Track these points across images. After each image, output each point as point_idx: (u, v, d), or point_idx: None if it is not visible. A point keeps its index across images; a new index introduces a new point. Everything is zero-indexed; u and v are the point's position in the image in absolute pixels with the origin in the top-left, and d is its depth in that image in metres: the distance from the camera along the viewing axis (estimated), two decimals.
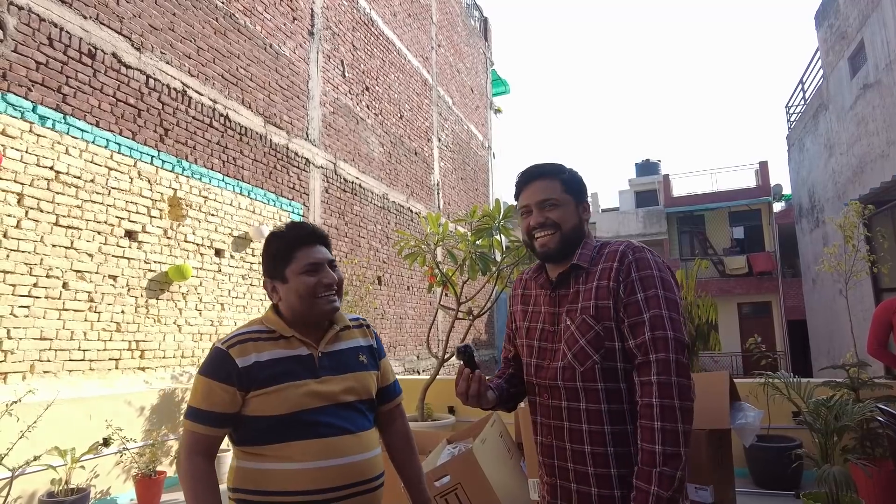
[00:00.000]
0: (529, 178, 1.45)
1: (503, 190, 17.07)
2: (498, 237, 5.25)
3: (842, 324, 11.26)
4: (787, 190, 19.91)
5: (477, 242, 5.20)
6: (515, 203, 1.52)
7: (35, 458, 3.80)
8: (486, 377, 1.50)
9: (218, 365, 1.36)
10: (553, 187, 1.41)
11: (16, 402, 3.73)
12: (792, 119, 15.38)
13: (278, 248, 1.46)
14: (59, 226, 4.45)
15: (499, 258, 5.48)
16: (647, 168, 24.76)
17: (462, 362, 1.40)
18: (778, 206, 21.14)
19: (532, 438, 1.50)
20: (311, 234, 1.48)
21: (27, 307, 4.18)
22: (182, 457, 1.36)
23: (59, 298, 4.40)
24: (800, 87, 14.46)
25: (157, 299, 5.26)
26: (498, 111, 17.47)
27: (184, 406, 5.33)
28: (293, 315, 1.44)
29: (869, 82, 9.63)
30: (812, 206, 13.52)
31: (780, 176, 46.73)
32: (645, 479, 1.18)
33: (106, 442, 4.41)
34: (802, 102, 14.38)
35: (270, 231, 1.54)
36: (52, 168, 4.41)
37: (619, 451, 1.28)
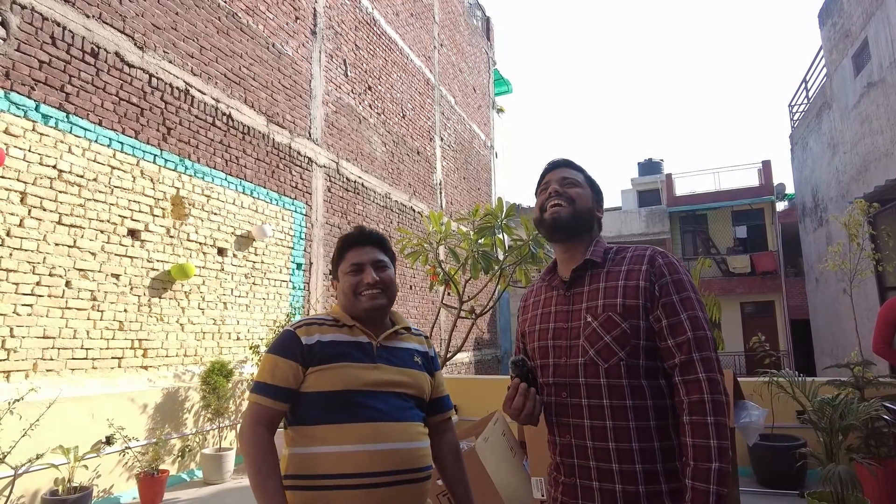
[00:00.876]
0: (557, 165, 1.55)
1: (506, 189, 17.07)
2: (500, 236, 5.24)
3: (845, 323, 11.23)
4: (790, 189, 19.86)
5: (479, 241, 5.19)
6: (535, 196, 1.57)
7: (38, 457, 3.80)
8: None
9: (285, 343, 1.47)
10: (577, 175, 1.52)
11: (18, 401, 3.73)
12: (795, 118, 15.33)
13: (336, 249, 1.62)
14: (62, 224, 4.45)
15: (501, 257, 5.46)
16: (649, 167, 24.71)
17: (517, 377, 1.36)
18: (781, 206, 21.09)
19: (547, 439, 1.48)
20: (361, 235, 1.61)
21: (30, 306, 4.18)
22: (245, 426, 1.42)
23: (61, 297, 4.40)
24: (803, 85, 14.41)
25: (160, 298, 5.27)
26: (500, 111, 17.45)
27: (187, 405, 5.33)
28: (345, 310, 1.55)
29: (873, 80, 9.59)
30: (815, 206, 13.48)
31: (784, 175, 46.60)
32: (702, 477, 1.19)
33: (108, 440, 4.41)
34: (806, 101, 14.34)
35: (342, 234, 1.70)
36: (54, 167, 4.42)
37: (644, 446, 1.29)
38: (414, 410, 1.51)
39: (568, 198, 1.46)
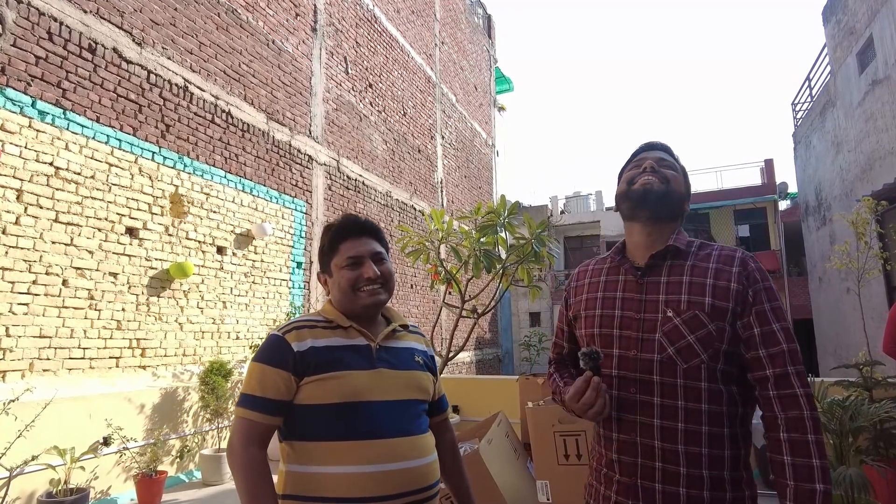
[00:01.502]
0: (653, 147, 1.47)
1: (507, 188, 17.00)
2: (503, 234, 5.17)
3: (849, 323, 11.15)
4: (792, 188, 19.77)
5: (481, 240, 5.12)
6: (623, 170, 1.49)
7: (33, 458, 3.75)
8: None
9: (273, 350, 1.32)
10: (673, 162, 1.44)
11: (14, 401, 3.67)
12: (798, 116, 15.25)
13: (327, 240, 1.45)
14: (59, 222, 4.39)
15: (503, 256, 5.40)
16: None
17: (589, 369, 1.27)
18: (783, 205, 21.00)
19: (596, 434, 1.41)
20: (355, 225, 1.45)
21: (26, 305, 4.13)
22: (235, 446, 1.29)
23: (58, 296, 4.35)
24: (807, 83, 14.33)
25: (159, 297, 5.21)
26: (501, 109, 17.39)
27: (186, 405, 5.28)
28: (341, 308, 1.42)
29: (878, 78, 9.51)
30: (819, 204, 13.40)
31: (786, 174, 46.52)
32: (806, 499, 1.13)
33: (106, 441, 4.36)
34: (809, 99, 14.25)
35: (326, 224, 1.52)
36: (51, 164, 4.36)
37: (714, 452, 1.23)
38: (421, 419, 1.41)
39: (663, 176, 1.37)
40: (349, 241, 1.43)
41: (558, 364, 1.57)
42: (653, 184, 1.35)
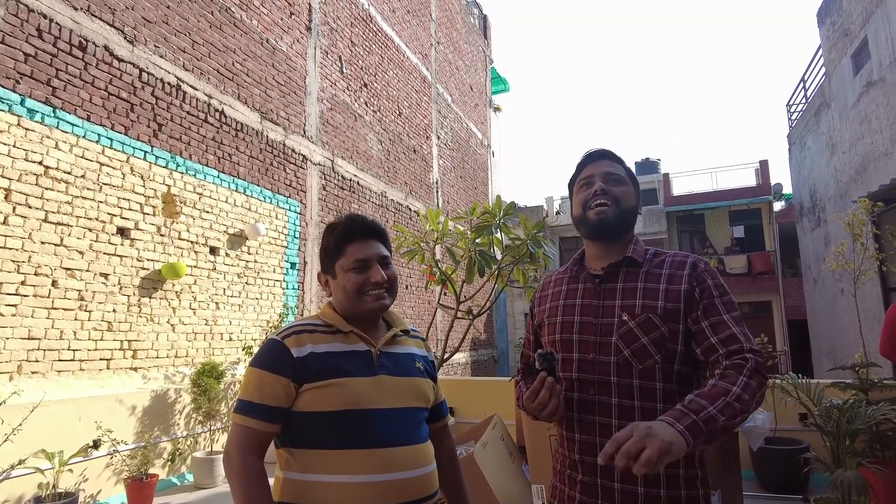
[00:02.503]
0: (599, 156, 1.48)
1: (503, 188, 16.99)
2: (498, 235, 5.14)
3: (843, 324, 11.18)
4: (787, 189, 19.83)
5: (477, 240, 5.09)
6: (571, 184, 1.53)
7: (21, 462, 3.69)
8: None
9: (272, 356, 1.29)
10: (619, 170, 1.46)
11: (1, 404, 3.61)
12: (793, 117, 15.29)
13: (332, 240, 1.41)
14: (49, 222, 4.33)
15: (499, 256, 5.37)
16: (646, 167, 24.65)
17: (544, 370, 1.31)
18: (778, 206, 21.06)
19: (559, 436, 1.43)
20: (363, 227, 1.41)
21: (14, 306, 4.06)
22: (232, 454, 1.25)
23: (47, 297, 4.28)
24: (801, 85, 14.37)
25: (150, 298, 5.15)
26: (497, 109, 17.36)
27: (178, 407, 5.22)
28: (342, 311, 1.38)
29: (872, 80, 9.53)
30: (813, 206, 13.43)
31: (781, 175, 46.79)
32: (710, 398, 1.14)
33: (96, 444, 4.30)
34: (804, 100, 14.29)
35: (329, 223, 1.47)
36: (41, 163, 4.30)
37: None
38: (422, 426, 1.38)
39: (613, 197, 1.40)
40: (356, 243, 1.39)
41: (525, 373, 1.60)
42: (606, 213, 1.40)
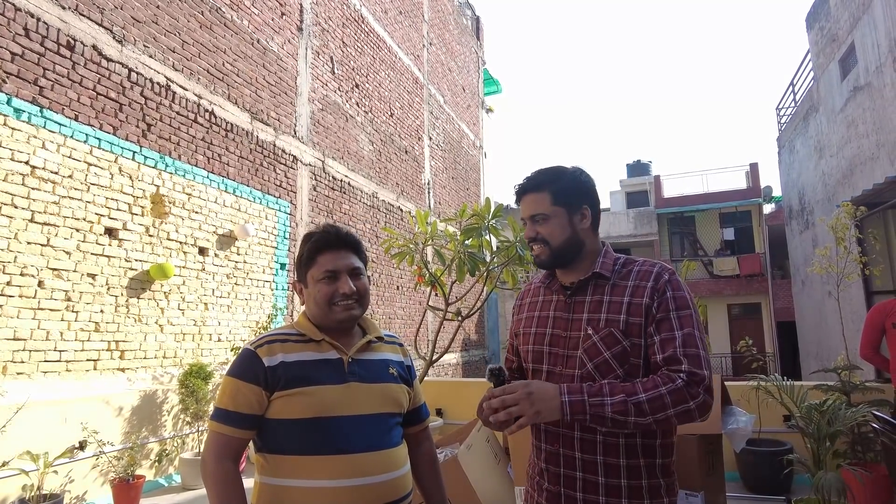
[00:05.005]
0: (521, 192, 1.47)
1: (494, 190, 17.01)
2: (487, 237, 5.16)
3: (830, 325, 11.29)
4: (777, 192, 20.01)
5: (466, 242, 5.11)
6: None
7: (5, 464, 3.67)
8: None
9: (245, 365, 1.34)
10: (541, 201, 1.42)
11: None
12: (782, 121, 15.42)
13: (305, 250, 1.45)
14: (35, 222, 4.31)
15: (488, 258, 5.39)
16: (638, 169, 24.79)
17: (492, 385, 1.35)
18: (768, 208, 21.24)
19: (531, 444, 1.47)
20: (335, 238, 1.44)
21: (0, 306, 4.04)
22: (208, 459, 1.31)
23: (33, 297, 4.26)
24: (790, 89, 14.50)
25: (138, 298, 5.13)
26: (489, 110, 17.39)
27: (165, 408, 5.20)
28: (314, 320, 1.42)
29: (859, 84, 9.64)
30: (802, 208, 13.55)
31: (771, 177, 47.19)
32: (615, 390, 1.20)
33: (82, 445, 4.28)
34: (793, 104, 14.42)
35: (307, 232, 1.51)
36: (27, 163, 4.27)
37: (631, 463, 1.29)
38: (393, 432, 1.41)
39: (542, 239, 1.41)
40: (327, 254, 1.41)
41: (510, 374, 1.62)
42: (539, 256, 1.43)
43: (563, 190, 1.42)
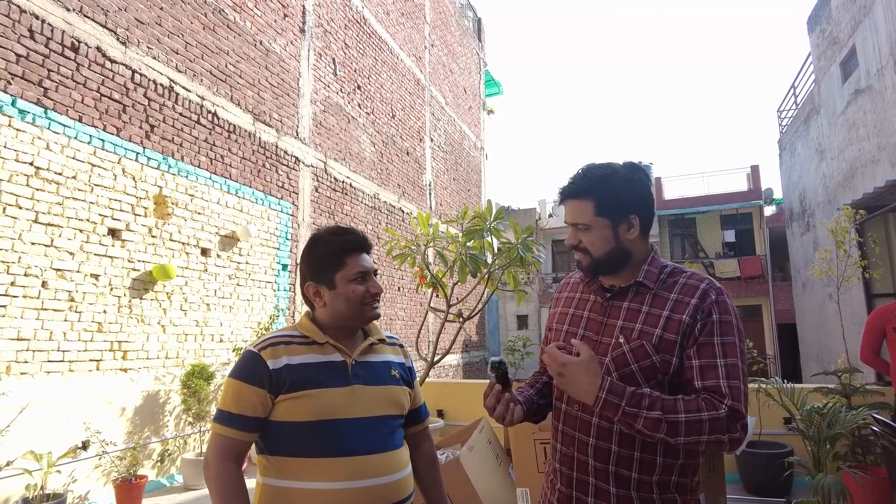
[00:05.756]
0: (564, 196, 1.38)
1: (495, 191, 17.03)
2: (489, 239, 5.17)
3: (831, 328, 11.29)
4: (778, 194, 20.01)
5: (468, 244, 5.13)
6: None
7: (8, 463, 3.68)
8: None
9: (249, 368, 1.34)
10: (583, 210, 1.33)
11: None
12: (783, 123, 15.43)
13: (328, 252, 1.46)
14: (39, 223, 4.33)
15: (490, 260, 5.40)
16: None
17: (494, 377, 1.35)
18: (769, 210, 21.24)
19: (550, 443, 1.46)
20: (363, 241, 1.50)
21: (4, 307, 4.05)
22: (211, 462, 1.32)
23: (37, 298, 4.28)
24: (791, 91, 14.51)
25: (141, 299, 5.15)
26: (491, 112, 17.42)
27: (168, 408, 5.22)
28: (335, 320, 1.43)
29: (860, 87, 9.65)
30: (803, 210, 13.56)
31: (772, 180, 47.18)
32: (655, 404, 1.16)
33: (84, 445, 4.29)
34: (794, 107, 14.43)
35: (314, 233, 1.53)
36: (31, 164, 4.30)
37: (644, 478, 1.26)
38: (395, 434, 1.43)
39: (583, 248, 1.34)
40: (356, 255, 1.46)
41: (542, 369, 1.60)
42: (581, 262, 1.37)
43: (608, 199, 1.31)
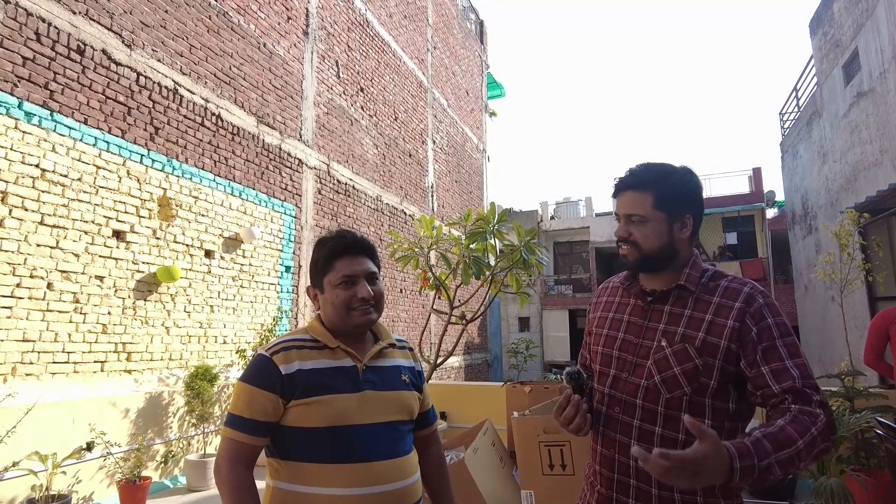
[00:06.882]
0: (622, 187, 1.36)
1: (498, 193, 17.06)
2: (492, 241, 5.19)
3: (833, 331, 11.28)
4: (780, 196, 19.99)
5: (471, 246, 5.14)
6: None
7: (14, 464, 3.70)
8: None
9: (261, 372, 1.33)
10: (642, 202, 1.32)
11: None
12: (786, 126, 15.43)
13: (321, 255, 1.44)
14: (45, 225, 4.35)
15: (492, 262, 5.41)
16: None
17: (570, 388, 1.33)
18: (771, 213, 21.22)
19: (592, 446, 1.45)
20: (352, 243, 1.44)
21: (9, 308, 4.08)
22: (223, 466, 1.31)
23: (43, 299, 4.30)
24: (794, 94, 14.51)
25: (145, 301, 5.17)
26: (493, 114, 17.44)
27: (171, 409, 5.24)
28: (330, 325, 1.43)
29: (863, 90, 9.65)
30: (805, 213, 13.56)
31: (774, 182, 47.19)
32: (777, 443, 1.07)
33: (89, 446, 4.31)
34: (796, 110, 14.43)
35: (320, 237, 1.52)
36: (37, 166, 4.32)
37: None
38: (405, 439, 1.43)
39: (633, 242, 1.32)
40: (344, 259, 1.42)
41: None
42: (627, 256, 1.35)
43: (669, 193, 1.31)
